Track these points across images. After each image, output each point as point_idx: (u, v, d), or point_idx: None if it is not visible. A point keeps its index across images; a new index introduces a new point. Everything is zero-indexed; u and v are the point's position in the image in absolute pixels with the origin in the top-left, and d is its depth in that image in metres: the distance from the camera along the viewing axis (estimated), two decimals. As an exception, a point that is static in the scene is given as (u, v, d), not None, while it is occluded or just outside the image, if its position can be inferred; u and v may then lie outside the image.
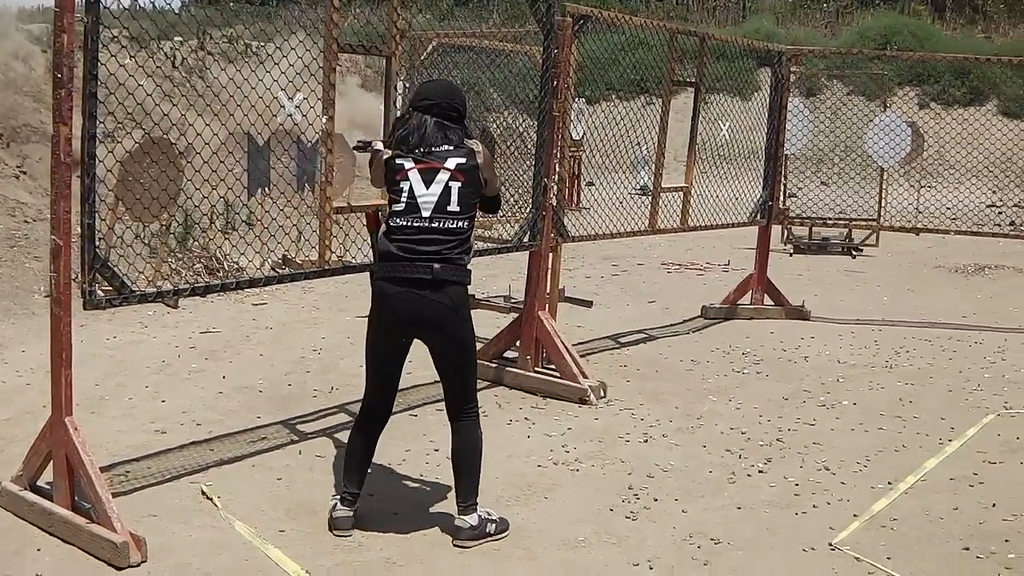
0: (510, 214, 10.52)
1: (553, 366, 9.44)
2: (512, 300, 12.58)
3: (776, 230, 17.12)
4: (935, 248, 19.25)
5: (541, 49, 9.28)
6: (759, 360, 10.77)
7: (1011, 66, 22.14)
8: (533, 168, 9.40)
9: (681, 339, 11.66)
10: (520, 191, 10.07)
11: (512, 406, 8.91)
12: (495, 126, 12.10)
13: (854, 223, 17.63)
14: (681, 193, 11.44)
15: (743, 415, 8.89)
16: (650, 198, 11.03)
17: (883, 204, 18.15)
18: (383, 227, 6.20)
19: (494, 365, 9.66)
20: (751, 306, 12.99)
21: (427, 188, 6.01)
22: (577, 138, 22.64)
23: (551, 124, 9.18)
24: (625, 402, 9.13)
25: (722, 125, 11.96)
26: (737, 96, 13.58)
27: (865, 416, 8.94)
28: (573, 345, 9.92)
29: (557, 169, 9.48)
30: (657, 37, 11.00)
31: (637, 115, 11.05)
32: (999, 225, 22.09)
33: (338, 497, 6.45)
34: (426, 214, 5.98)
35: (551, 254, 9.77)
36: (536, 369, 9.49)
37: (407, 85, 11.12)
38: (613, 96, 22.18)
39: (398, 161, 6.10)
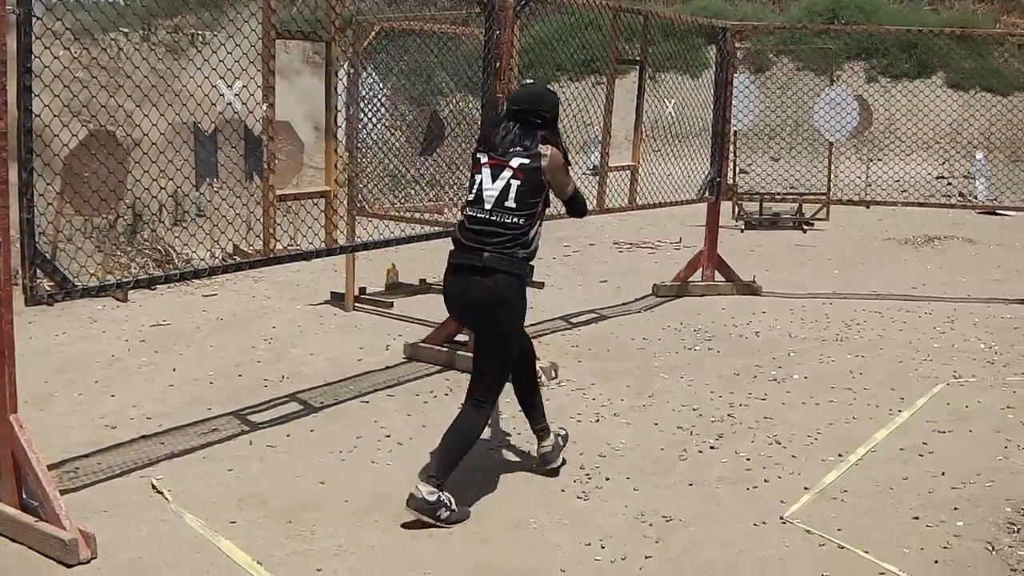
0: (459, 197, 10.52)
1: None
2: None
3: (727, 206, 17.20)
4: (885, 221, 19.35)
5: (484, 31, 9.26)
6: (710, 337, 10.81)
7: (957, 38, 22.32)
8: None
9: (633, 318, 11.68)
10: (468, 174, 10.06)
11: (463, 389, 8.81)
12: (446, 110, 12.09)
13: (804, 198, 17.74)
14: (629, 172, 11.45)
15: (694, 392, 8.92)
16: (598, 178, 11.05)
17: (833, 178, 18.23)
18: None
19: (445, 349, 9.65)
20: (702, 283, 13.02)
21: (492, 183, 6.48)
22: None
23: (495, 106, 9.15)
24: (576, 382, 9.14)
25: (667, 103, 11.98)
26: (686, 74, 13.59)
27: (816, 389, 9.00)
28: (525, 327, 9.92)
29: (503, 151, 9.45)
30: (604, 17, 11.00)
31: (587, 95, 11.03)
32: (948, 196, 22.22)
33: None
34: (487, 206, 6.46)
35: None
36: (487, 353, 9.48)
37: (351, 71, 11.11)
38: (563, 77, 22.18)
39: (478, 156, 6.63)
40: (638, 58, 11.39)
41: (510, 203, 6.43)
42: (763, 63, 27.35)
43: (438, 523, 6.24)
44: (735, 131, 14.49)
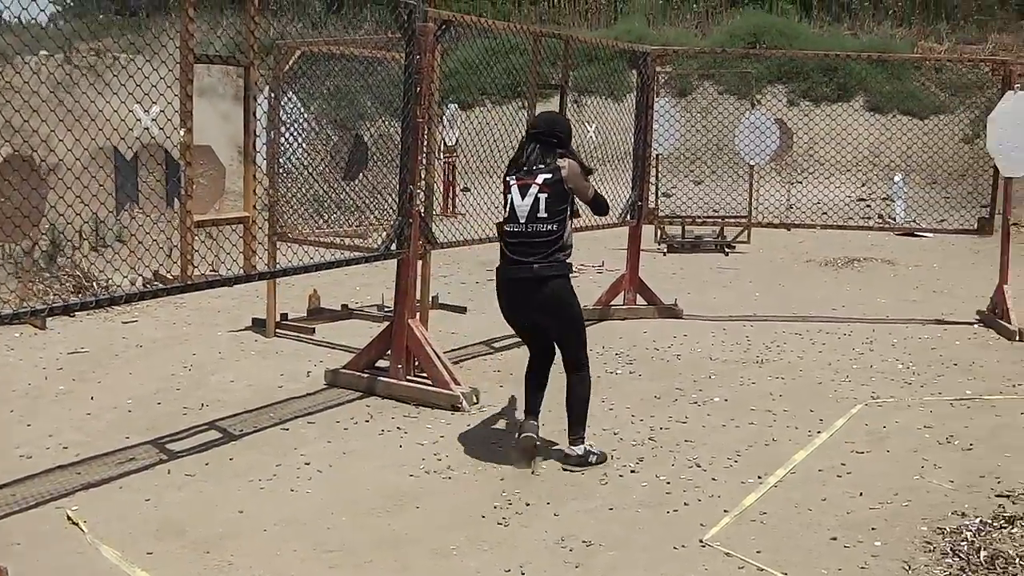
0: (383, 222, 10.50)
1: (425, 374, 9.41)
2: (385, 309, 12.57)
3: (649, 230, 17.29)
4: (806, 243, 19.54)
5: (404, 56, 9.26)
6: (632, 360, 10.85)
7: (876, 62, 22.61)
8: (400, 176, 9.35)
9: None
10: (394, 198, 10.02)
11: (384, 416, 8.87)
12: (369, 133, 12.05)
13: (726, 220, 17.88)
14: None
15: (616, 415, 8.94)
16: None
17: (754, 201, 18.39)
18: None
19: (366, 375, 9.61)
20: (624, 306, 13.08)
21: (523, 199, 7.58)
22: (451, 144, 22.65)
23: (415, 131, 9.16)
24: (498, 407, 9.14)
25: (589, 127, 12.03)
26: (610, 98, 13.67)
27: (736, 411, 9.05)
28: (446, 352, 9.92)
29: (423, 176, 9.46)
30: (528, 41, 11.04)
31: (511, 119, 11.06)
32: (867, 219, 22.53)
33: (524, 415, 7.97)
34: (522, 220, 7.57)
35: (420, 262, 9.77)
36: (408, 378, 9.46)
37: (272, 95, 11.06)
38: (487, 101, 22.23)
39: (507, 178, 7.75)
40: (559, 83, 11.44)
41: (542, 214, 7.52)
42: (686, 87, 27.55)
43: (593, 465, 7.67)
44: (657, 155, 14.57)
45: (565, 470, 7.62)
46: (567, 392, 7.81)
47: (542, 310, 7.62)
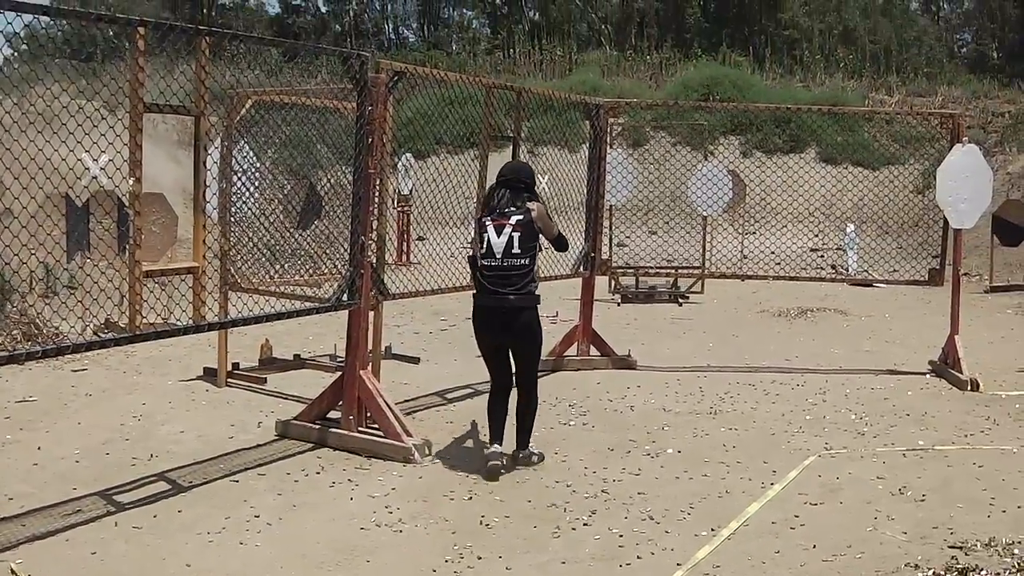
0: (336, 272, 10.45)
1: (376, 425, 9.35)
2: (338, 359, 12.49)
3: (604, 280, 17.30)
4: (760, 293, 19.63)
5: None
6: (585, 412, 10.82)
7: (828, 114, 22.79)
8: (351, 226, 9.31)
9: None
10: (347, 248, 9.99)
11: (335, 468, 8.79)
12: (323, 182, 12.02)
13: (680, 271, 17.92)
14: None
15: (569, 467, 8.90)
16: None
17: (708, 251, 18.46)
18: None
19: (317, 426, 9.53)
20: (577, 357, 13.07)
21: (499, 237, 8.63)
22: (406, 193, 22.66)
23: (367, 181, 9.14)
24: (451, 459, 9.08)
25: (541, 178, 12.04)
26: (564, 148, 13.71)
27: (689, 463, 9.02)
28: (398, 403, 9.87)
29: (375, 226, 9.43)
30: (481, 92, 11.07)
31: (466, 169, 11.07)
32: (820, 268, 22.66)
33: (487, 441, 8.97)
34: (498, 255, 8.61)
35: (372, 312, 9.73)
36: (360, 429, 9.38)
37: (225, 144, 11.02)
38: (442, 151, 22.27)
39: (482, 219, 8.78)
40: (511, 134, 11.47)
41: (516, 249, 8.61)
42: (640, 138, 27.71)
43: (535, 464, 8.98)
44: (611, 205, 14.60)
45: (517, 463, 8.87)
46: (519, 406, 8.99)
47: (514, 335, 8.73)
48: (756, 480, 8.57)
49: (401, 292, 10.03)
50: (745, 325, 16.58)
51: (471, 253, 8.89)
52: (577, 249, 12.77)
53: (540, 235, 8.80)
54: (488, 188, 9.16)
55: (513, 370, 8.95)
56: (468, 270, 10.61)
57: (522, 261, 8.63)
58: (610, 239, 16.20)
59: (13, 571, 6.54)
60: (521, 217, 8.66)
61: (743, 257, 20.07)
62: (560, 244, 9.15)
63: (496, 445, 8.83)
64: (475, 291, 8.86)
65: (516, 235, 8.62)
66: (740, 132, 30.03)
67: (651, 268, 17.02)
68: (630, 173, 14.02)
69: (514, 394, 9.02)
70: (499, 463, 8.70)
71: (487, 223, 8.74)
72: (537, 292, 8.78)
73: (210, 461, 8.93)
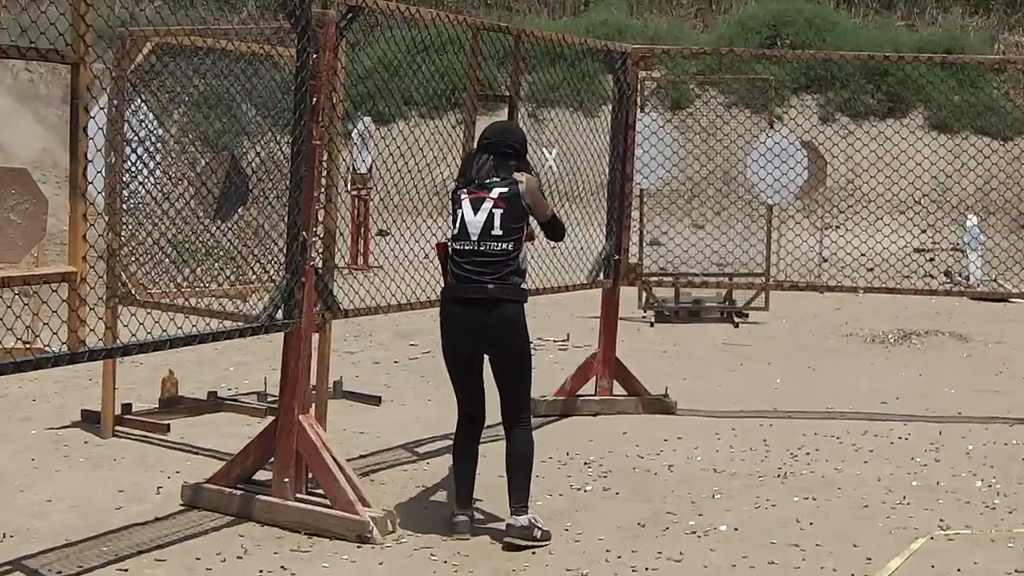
0: (267, 279, 10.43)
1: (321, 491, 9.31)
2: (269, 399, 12.47)
3: (631, 292, 17.26)
4: (845, 310, 19.62)
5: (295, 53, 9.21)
6: (606, 472, 10.81)
7: (942, 65, 22.84)
8: (288, 218, 9.28)
9: (500, 445, 11.60)
10: (282, 248, 9.98)
11: (264, 551, 8.74)
12: (250, 156, 11.98)
13: (735, 280, 17.88)
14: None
15: (583, 550, 8.88)
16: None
17: (774, 253, 18.43)
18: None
19: (239, 492, 9.49)
20: (595, 397, 13.05)
21: (475, 215, 8.87)
22: (363, 171, 22.64)
23: (310, 155, 9.09)
24: (422, 538, 9.06)
25: (549, 152, 12.01)
26: (578, 111, 13.68)
27: (750, 546, 9.00)
28: (352, 460, 9.86)
29: (321, 217, 9.41)
30: (466, 35, 11.04)
31: (445, 138, 11.04)
32: (931, 276, 22.59)
33: (455, 505, 9.16)
34: (474, 238, 8.84)
35: (316, 335, 9.69)
36: (298, 496, 9.32)
37: (114, 104, 10.98)
38: (413, 114, 22.19)
39: (457, 192, 9.06)
40: (506, 92, 11.45)
41: (496, 231, 8.81)
42: (681, 98, 27.71)
43: (537, 543, 8.82)
44: (642, 190, 14.57)
45: (507, 547, 8.70)
46: (508, 451, 9.10)
47: (490, 337, 8.91)
48: (844, 570, 8.54)
49: (357, 307, 10.02)
50: (825, 354, 16.57)
51: (441, 240, 9.23)
52: (595, 250, 12.75)
53: (529, 215, 9.03)
54: (465, 154, 9.67)
55: (497, 396, 9.06)
56: (437, 276, 10.64)
57: (504, 245, 8.86)
58: (640, 236, 16.20)
59: None
60: (505, 190, 8.91)
61: (822, 261, 20.00)
62: (553, 230, 9.38)
63: (463, 514, 9.08)
64: (443, 285, 9.13)
65: (498, 212, 8.87)
66: (819, 89, 30.07)
67: (696, 275, 17.01)
68: (668, 146, 14.01)
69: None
70: (466, 522, 9.00)
71: (462, 196, 9.01)
72: (524, 287, 9.03)
73: (88, 542, 8.87)
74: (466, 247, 8.86)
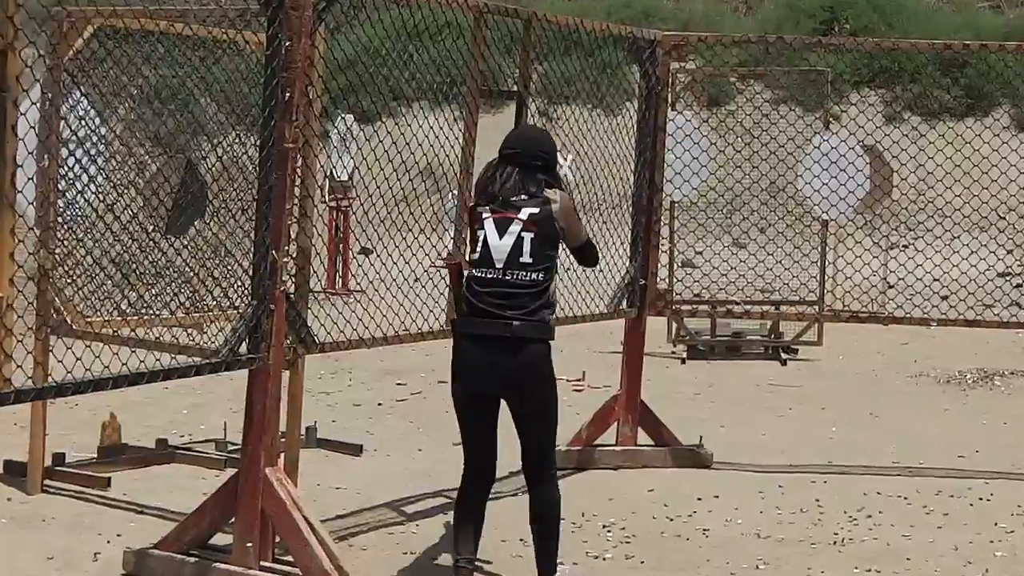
0: (229, 306, 10.43)
1: (291, 558, 9.30)
2: (230, 447, 12.48)
3: (658, 323, 17.24)
4: (914, 345, 19.61)
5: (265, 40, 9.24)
6: (629, 537, 10.82)
7: (1028, 55, 22.75)
8: (255, 234, 9.28)
9: (506, 504, 11.62)
10: (247, 269, 9.97)
11: (224, 627, 8.76)
12: (211, 161, 11.99)
13: (784, 309, 17.87)
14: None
15: (603, 631, 8.90)
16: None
17: (830, 277, 18.42)
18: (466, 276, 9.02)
19: (193, 560, 9.48)
20: (618, 448, 13.05)
21: (500, 239, 8.82)
22: (343, 178, 22.66)
23: (282, 161, 9.10)
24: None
25: (563, 157, 12.01)
26: (597, 109, 13.69)
27: (800, 627, 9.02)
28: (327, 521, 9.85)
29: (294, 233, 9.41)
30: (467, 19, 11.07)
31: (441, 140, 11.05)
32: (1018, 306, 22.51)
33: (453, 565, 9.20)
34: (499, 265, 8.79)
35: (287, 372, 9.70)
36: (263, 565, 9.32)
37: (49, 97, 10.99)
38: (403, 111, 22.25)
39: (478, 209, 9.01)
40: (514, 87, 11.47)
41: (526, 258, 8.79)
42: (720, 93, 27.70)
43: None
44: (672, 202, 14.58)
45: None
46: (533, 510, 9.08)
47: (512, 382, 8.85)
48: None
49: (335, 340, 10.01)
50: (890, 397, 16.57)
51: (450, 256, 9.52)
52: (617, 273, 12.76)
53: (561, 239, 9.04)
54: (486, 166, 9.27)
55: (519, 447, 9.04)
56: (438, 301, 10.63)
57: (534, 275, 8.83)
58: (671, 256, 16.16)
59: None
60: (536, 211, 8.87)
61: (887, 287, 20.01)
62: (587, 255, 9.51)
63: (461, 560, 9.11)
64: (458, 316, 9.08)
65: (528, 236, 8.81)
66: (884, 84, 30.09)
67: (737, 303, 17.01)
68: (704, 150, 14.01)
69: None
70: (469, 568, 9.09)
71: (484, 216, 8.96)
72: (552, 322, 9.00)
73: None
74: (489, 275, 8.82)
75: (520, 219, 8.80)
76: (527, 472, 9.06)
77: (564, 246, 9.16)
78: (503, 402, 9.05)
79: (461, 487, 9.19)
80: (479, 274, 8.85)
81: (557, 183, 9.16)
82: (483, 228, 8.89)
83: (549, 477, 9.05)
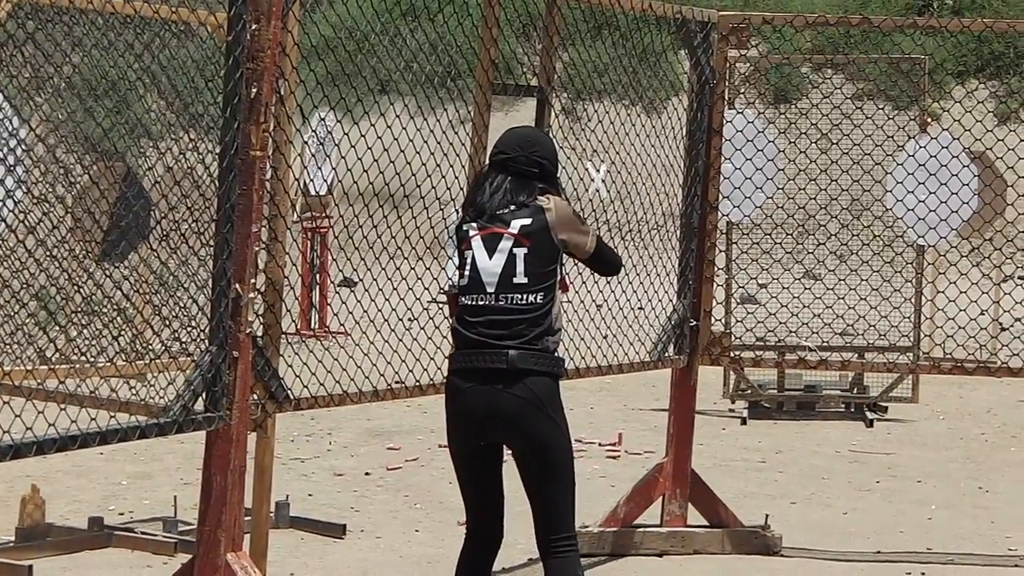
0: (179, 350, 10.49)
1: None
2: (181, 528, 12.53)
3: (712, 373, 17.28)
4: (1033, 403, 19.68)
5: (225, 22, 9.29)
6: (679, 640, 10.89)
7: None
8: (213, 263, 9.31)
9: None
10: (203, 305, 10.01)
11: None
12: (156, 169, 12.04)
13: (869, 357, 17.92)
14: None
15: None
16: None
17: (927, 318, 18.47)
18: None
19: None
20: (663, 529, 13.08)
21: (490, 258, 9.02)
22: (319, 191, 22.68)
23: (247, 172, 9.14)
24: None
25: (596, 167, 12.09)
26: (637, 107, 13.76)
27: None
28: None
29: (263, 262, 9.45)
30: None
31: (443, 143, 11.09)
32: None
33: None
34: (491, 290, 8.99)
35: (253, 434, 9.75)
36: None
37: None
38: (392, 106, 22.31)
39: (464, 227, 9.24)
40: (533, 81, 11.55)
41: (520, 279, 8.96)
42: (789, 87, 27.75)
43: None
44: (729, 223, 14.66)
45: None
46: None
47: (510, 422, 8.94)
48: None
49: (312, 395, 10.02)
50: (1005, 469, 16.62)
51: (452, 287, 9.39)
52: (662, 312, 12.79)
53: (562, 252, 9.20)
54: (475, 175, 9.92)
55: (529, 511, 9.13)
56: (441, 345, 10.71)
57: (530, 297, 9.00)
58: (727, 290, 16.25)
59: None
60: (527, 222, 9.06)
61: (1000, 330, 20.03)
62: (604, 262, 9.69)
63: None
64: (451, 353, 9.34)
65: (521, 252, 9.00)
66: (995, 75, 30.14)
67: (811, 349, 17.06)
68: (769, 159, 14.07)
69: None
70: None
71: (471, 234, 9.17)
72: (557, 352, 9.15)
73: None
74: (480, 302, 8.99)
75: (511, 233, 8.98)
76: (539, 539, 9.07)
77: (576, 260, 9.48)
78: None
79: (460, 556, 9.35)
80: (468, 301, 9.07)
81: (556, 190, 9.34)
82: (470, 248, 9.11)
83: (565, 546, 9.01)
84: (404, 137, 10.99)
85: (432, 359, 10.39)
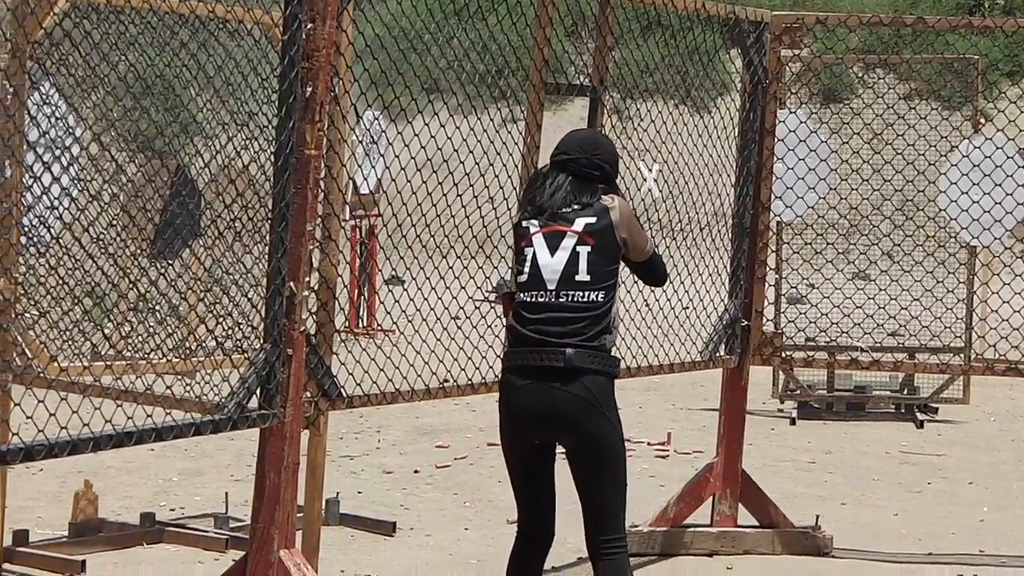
0: (232, 348, 10.49)
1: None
2: (232, 523, 12.55)
3: (762, 373, 17.27)
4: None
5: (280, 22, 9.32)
6: (729, 641, 10.90)
7: None
8: (268, 261, 9.31)
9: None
10: (256, 303, 9.99)
11: None
12: (208, 169, 12.04)
13: (920, 357, 17.89)
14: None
15: None
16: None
17: (980, 319, 18.45)
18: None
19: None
20: (713, 529, 13.12)
21: (552, 256, 9.08)
22: (368, 190, 22.67)
23: (302, 171, 9.17)
24: None
25: (648, 167, 12.10)
26: (686, 107, 13.78)
27: None
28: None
29: (316, 260, 9.47)
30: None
31: (493, 143, 11.07)
32: None
33: None
34: (551, 287, 9.04)
35: (306, 432, 9.77)
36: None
37: (11, 88, 11.11)
38: (441, 106, 22.30)
39: (524, 224, 9.31)
40: (587, 81, 11.56)
41: (583, 276, 9.02)
42: (840, 87, 27.69)
43: None
44: (779, 224, 14.67)
45: None
46: None
47: (566, 421, 9.01)
48: None
49: (365, 393, 10.04)
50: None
51: (501, 284, 9.71)
52: (713, 312, 12.79)
53: (623, 253, 9.30)
54: (533, 174, 9.83)
55: (579, 509, 9.17)
56: (492, 344, 10.69)
57: (593, 295, 9.07)
58: (777, 290, 16.23)
59: None
60: (592, 220, 9.14)
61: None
62: (653, 271, 9.78)
63: None
64: (506, 350, 9.40)
65: (584, 251, 9.07)
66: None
67: (861, 350, 17.05)
68: (822, 159, 14.06)
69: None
70: None
71: (532, 231, 9.22)
72: (615, 353, 9.27)
73: None
74: (540, 299, 9.03)
75: (575, 231, 9.05)
76: (588, 540, 9.12)
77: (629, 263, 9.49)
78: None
79: (511, 555, 9.40)
80: (527, 298, 9.10)
81: (616, 191, 9.44)
82: (531, 245, 9.13)
83: (615, 548, 9.06)
84: (456, 136, 11.01)
85: (484, 357, 10.43)
